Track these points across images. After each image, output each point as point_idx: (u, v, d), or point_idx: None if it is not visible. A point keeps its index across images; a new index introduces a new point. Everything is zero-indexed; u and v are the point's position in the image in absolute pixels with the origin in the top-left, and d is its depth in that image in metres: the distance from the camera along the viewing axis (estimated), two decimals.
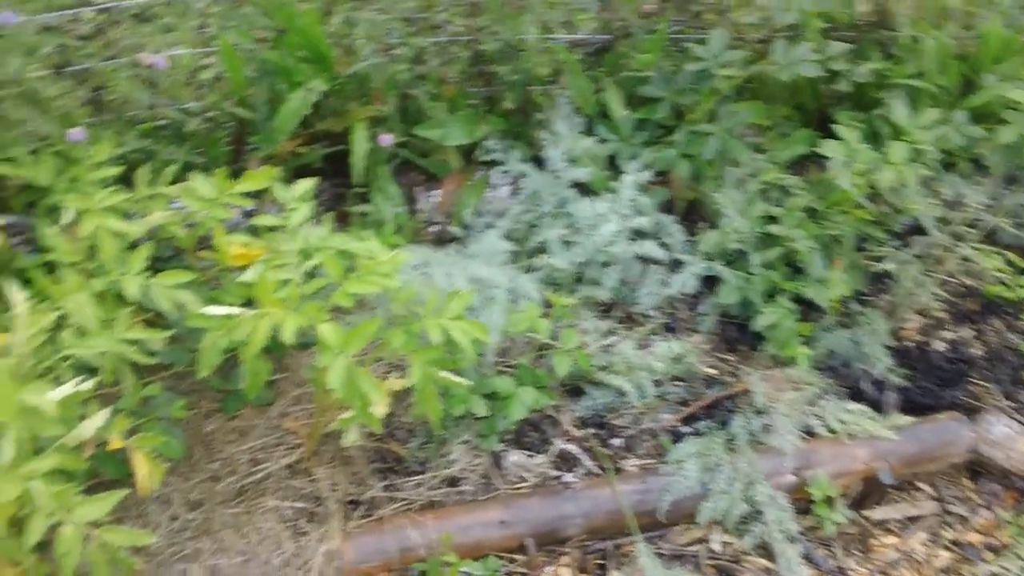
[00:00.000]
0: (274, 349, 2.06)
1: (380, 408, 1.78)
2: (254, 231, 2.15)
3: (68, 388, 1.64)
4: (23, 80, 2.14)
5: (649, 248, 2.52)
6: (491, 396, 2.24)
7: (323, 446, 2.20)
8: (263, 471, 2.16)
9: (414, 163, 2.74)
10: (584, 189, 2.66)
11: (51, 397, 1.61)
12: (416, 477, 2.20)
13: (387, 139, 2.50)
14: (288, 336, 1.79)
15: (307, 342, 2.26)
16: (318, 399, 2.12)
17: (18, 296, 1.73)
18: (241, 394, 2.24)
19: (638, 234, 2.56)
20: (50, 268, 2.27)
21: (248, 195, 2.11)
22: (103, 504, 1.59)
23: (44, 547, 1.61)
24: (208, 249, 2.14)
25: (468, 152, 2.76)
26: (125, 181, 2.14)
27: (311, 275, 1.93)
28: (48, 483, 1.56)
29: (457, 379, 1.90)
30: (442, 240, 2.68)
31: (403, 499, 2.15)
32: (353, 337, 1.79)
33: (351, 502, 2.14)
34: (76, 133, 2.02)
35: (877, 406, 2.39)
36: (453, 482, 2.19)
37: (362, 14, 2.50)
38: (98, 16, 2.57)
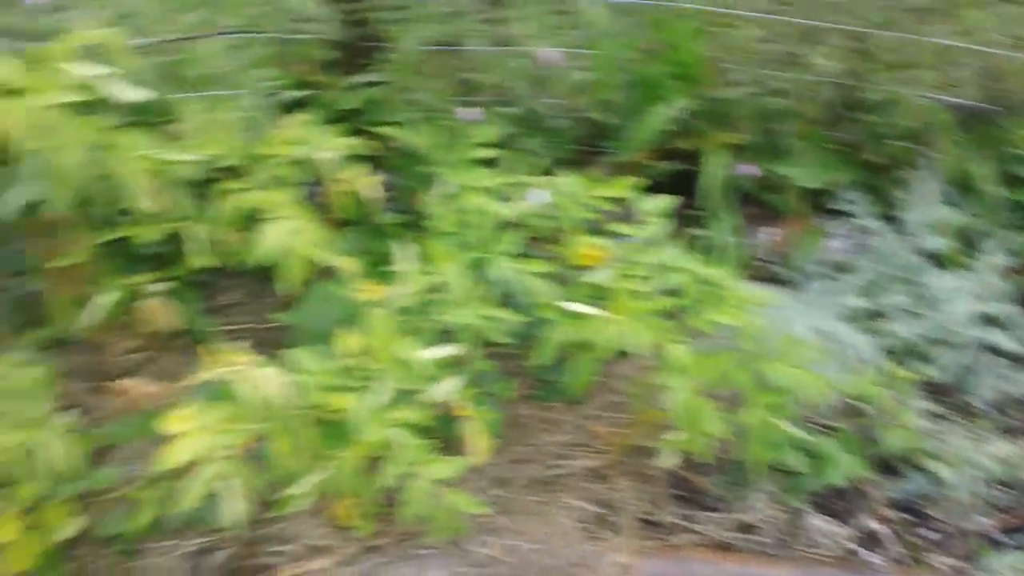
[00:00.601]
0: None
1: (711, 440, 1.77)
2: (601, 233, 2.19)
3: (440, 351, 1.74)
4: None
5: (998, 338, 2.35)
6: (806, 452, 2.17)
7: (627, 457, 2.22)
8: (566, 468, 2.20)
9: (755, 196, 2.70)
10: (934, 259, 2.52)
11: (424, 355, 1.72)
12: (712, 513, 2.16)
13: (748, 169, 2.48)
14: (635, 347, 1.81)
15: (625, 350, 2.29)
16: (636, 413, 2.14)
17: (409, 254, 1.84)
18: (559, 388, 2.29)
19: (988, 320, 2.40)
20: (407, 228, 2.43)
21: (606, 200, 2.16)
22: (453, 466, 1.67)
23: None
24: (556, 244, 2.21)
25: (815, 196, 2.69)
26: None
27: (667, 292, 1.94)
28: (409, 435, 1.66)
29: (792, 429, 1.86)
30: (771, 280, 2.62)
31: (696, 532, 2.12)
32: (704, 364, 1.79)
33: (645, 520, 2.14)
34: (469, 112, 2.13)
35: None
36: (747, 529, 2.14)
37: (737, 40, 2.48)
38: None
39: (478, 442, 1.82)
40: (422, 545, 2.01)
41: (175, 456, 1.48)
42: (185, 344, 2.32)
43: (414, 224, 2.44)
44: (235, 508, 1.50)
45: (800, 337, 1.98)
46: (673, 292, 1.94)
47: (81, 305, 2.11)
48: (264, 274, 2.48)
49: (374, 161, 2.31)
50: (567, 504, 2.13)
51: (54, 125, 1.49)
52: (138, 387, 1.59)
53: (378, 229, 2.42)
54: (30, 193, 1.87)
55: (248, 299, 2.50)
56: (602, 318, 1.85)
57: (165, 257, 2.30)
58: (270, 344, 2.39)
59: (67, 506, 1.89)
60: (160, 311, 2.05)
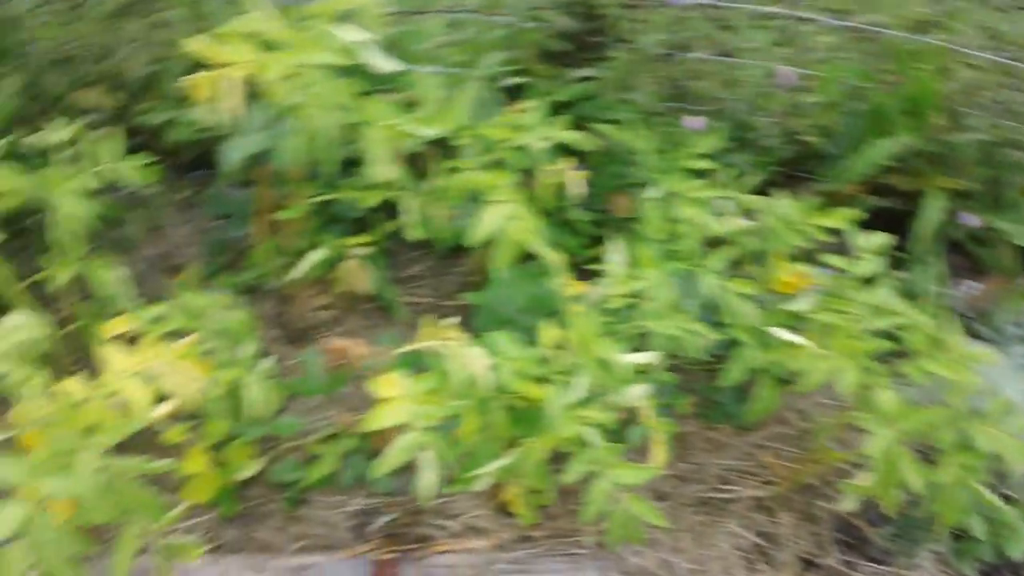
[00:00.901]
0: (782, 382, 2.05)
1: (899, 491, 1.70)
2: (809, 262, 2.13)
3: (640, 356, 1.72)
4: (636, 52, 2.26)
5: None
6: (988, 520, 2.06)
7: (795, 493, 2.15)
8: (730, 492, 2.15)
9: (962, 246, 2.58)
10: None
11: (625, 359, 1.70)
12: (876, 565, 2.08)
13: (969, 219, 2.36)
14: (844, 386, 1.75)
15: (789, 380, 2.22)
16: (814, 449, 2.08)
17: (617, 255, 1.83)
18: (730, 411, 2.24)
19: None
20: (596, 226, 2.42)
21: (820, 228, 2.09)
22: (639, 474, 1.65)
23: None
24: (758, 265, 2.16)
25: None
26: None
27: (877, 333, 1.87)
28: (599, 434, 1.65)
29: (989, 495, 1.76)
30: (968, 336, 2.50)
31: None
32: (911, 415, 1.71)
33: (806, 560, 2.07)
34: (693, 121, 2.10)
35: None
36: None
37: (977, 83, 2.37)
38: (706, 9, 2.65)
39: (658, 452, 1.80)
40: (577, 544, 2.00)
41: (382, 419, 1.50)
42: (370, 308, 2.38)
43: (602, 223, 2.43)
44: (428, 479, 1.51)
45: (1012, 402, 1.87)
46: (885, 334, 1.86)
47: (284, 256, 2.18)
48: (448, 251, 2.53)
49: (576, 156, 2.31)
50: (728, 529, 2.08)
51: (312, 83, 1.53)
52: (351, 347, 1.63)
53: (567, 224, 2.42)
54: (262, 143, 1.94)
55: (429, 273, 2.54)
56: (808, 349, 1.80)
57: (364, 222, 2.36)
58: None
59: (250, 448, 1.96)
60: (359, 273, 2.09)
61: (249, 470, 1.94)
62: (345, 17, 1.66)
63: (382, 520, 1.99)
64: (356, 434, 1.99)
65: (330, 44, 1.53)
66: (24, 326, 1.43)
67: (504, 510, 2.02)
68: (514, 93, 2.27)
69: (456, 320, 1.65)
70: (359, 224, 2.33)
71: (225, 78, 1.53)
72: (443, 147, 2.16)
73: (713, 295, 1.91)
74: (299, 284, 2.21)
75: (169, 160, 2.01)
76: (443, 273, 2.52)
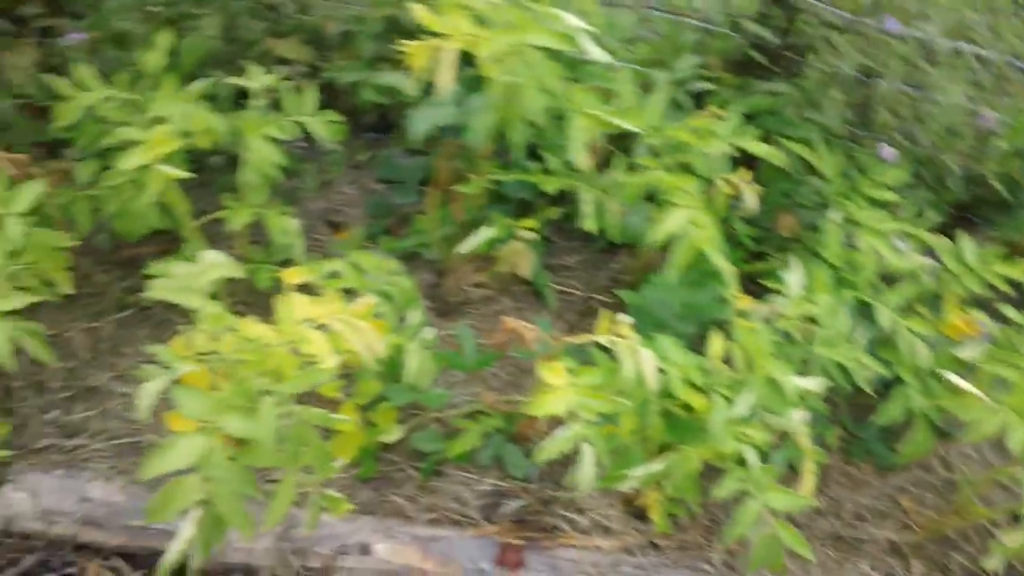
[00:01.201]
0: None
1: None
2: (983, 309, 2.05)
3: (810, 382, 1.68)
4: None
5: None
6: None
7: (933, 543, 2.09)
8: (865, 532, 2.09)
9: None
10: None
11: (795, 381, 1.67)
12: None
13: None
14: (1015, 443, 1.69)
15: (949, 431, 2.14)
16: (961, 502, 2.01)
17: (796, 276, 1.79)
18: (870, 447, 2.19)
19: None
20: (758, 243, 2.38)
21: (1001, 277, 2.02)
22: (792, 501, 1.62)
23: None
24: (927, 306, 2.09)
25: None
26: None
27: None
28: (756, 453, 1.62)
29: None
30: None
31: None
32: None
33: None
34: (886, 150, 2.04)
35: None
36: None
37: None
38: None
39: (808, 481, 1.76)
40: (706, 560, 1.97)
41: (546, 406, 1.51)
42: (522, 292, 2.39)
43: (763, 240, 2.39)
44: (587, 472, 1.51)
45: None
46: None
47: (448, 228, 2.21)
48: (603, 246, 2.52)
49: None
50: (860, 569, 2.02)
51: (528, 63, 1.54)
52: (524, 329, 1.63)
53: (730, 236, 2.38)
54: (450, 116, 1.96)
55: (581, 266, 2.53)
56: (977, 399, 1.73)
57: (527, 205, 2.37)
58: (595, 316, 2.42)
59: (395, 413, 1.98)
60: (523, 256, 2.10)
61: (393, 435, 1.97)
62: (560, 3, 1.66)
63: (513, 504, 2.00)
64: (501, 414, 2.00)
65: (552, 27, 1.53)
66: (222, 265, 1.47)
67: (635, 513, 2.01)
68: (697, 98, 2.25)
69: (625, 317, 1.64)
70: (522, 206, 2.34)
71: (443, 49, 1.54)
72: (619, 142, 2.15)
73: (887, 330, 1.86)
74: (459, 258, 2.22)
75: (346, 119, 2.04)
76: (596, 267, 2.51)
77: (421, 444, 2.02)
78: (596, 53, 1.57)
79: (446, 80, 1.54)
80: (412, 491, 2.00)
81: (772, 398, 1.66)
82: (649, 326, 2.12)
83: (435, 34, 1.61)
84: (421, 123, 1.98)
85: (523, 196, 2.30)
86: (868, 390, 1.87)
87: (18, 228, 1.78)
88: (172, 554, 1.34)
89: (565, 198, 2.34)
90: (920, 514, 2.14)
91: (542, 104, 1.55)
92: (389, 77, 2.10)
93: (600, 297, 2.43)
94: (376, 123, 2.50)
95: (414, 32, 2.21)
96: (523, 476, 2.02)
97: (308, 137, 2.04)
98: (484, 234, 2.02)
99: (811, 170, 2.33)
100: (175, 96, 1.88)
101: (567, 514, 2.00)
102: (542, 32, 1.52)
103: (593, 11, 1.59)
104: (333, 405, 1.79)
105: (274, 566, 1.84)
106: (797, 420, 1.69)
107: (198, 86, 1.93)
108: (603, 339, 1.57)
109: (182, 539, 1.33)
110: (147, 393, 1.35)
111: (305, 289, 1.64)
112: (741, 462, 1.63)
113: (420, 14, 1.58)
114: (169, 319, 2.18)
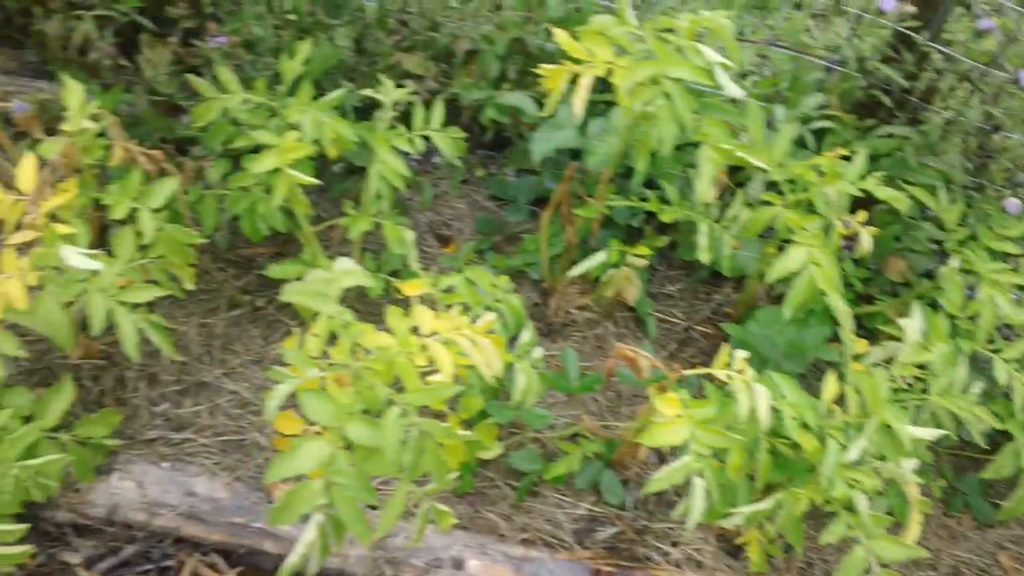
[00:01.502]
0: None
1: None
2: None
3: (927, 431, 1.65)
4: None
5: None
6: None
7: None
8: None
9: None
10: None
11: (911, 430, 1.64)
12: None
13: None
14: None
15: None
16: None
17: (917, 323, 1.76)
18: (969, 501, 2.15)
19: None
20: (867, 284, 2.35)
21: None
22: (900, 550, 1.60)
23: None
24: None
25: None
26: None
27: None
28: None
29: None
30: None
31: None
32: None
33: None
34: (1012, 203, 2.01)
35: None
36: None
37: None
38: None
39: (914, 531, 1.73)
40: None
41: (662, 437, 1.51)
42: (625, 318, 2.39)
43: (870, 282, 2.36)
44: (698, 505, 1.51)
45: None
46: None
47: (557, 248, 2.22)
48: (705, 277, 2.51)
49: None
50: None
51: (666, 95, 1.55)
52: (638, 357, 1.64)
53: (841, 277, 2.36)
54: (572, 140, 1.98)
55: (683, 296, 2.53)
56: None
57: (634, 231, 2.38)
58: (694, 347, 2.43)
59: (497, 430, 2.00)
60: (631, 282, 2.11)
61: (492, 452, 1.98)
62: (699, 36, 1.67)
63: (607, 531, 2.00)
64: (601, 439, 2.01)
65: (693, 61, 1.54)
66: (354, 272, 1.50)
67: (728, 550, 1.99)
68: (816, 136, 2.23)
69: (741, 352, 1.64)
70: (630, 232, 2.35)
71: (581, 74, 1.56)
72: (733, 175, 2.15)
73: (1003, 384, 1.83)
74: (565, 280, 2.24)
75: (464, 135, 2.08)
76: (697, 297, 2.51)
77: (519, 463, 2.03)
78: (732, 89, 1.57)
79: (580, 104, 1.56)
80: (506, 509, 2.01)
81: (884, 444, 1.63)
82: (753, 362, 2.11)
83: (572, 59, 1.63)
84: (543, 144, 2.00)
85: (632, 223, 2.31)
86: (981, 443, 1.83)
87: (151, 223, 1.84)
88: (294, 557, 1.37)
89: (672, 227, 2.35)
90: (1019, 572, 2.09)
91: (675, 135, 1.56)
92: (513, 97, 2.14)
93: (701, 328, 2.42)
94: (491, 141, 2.53)
95: (537, 55, 2.25)
96: (619, 503, 2.02)
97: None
98: (598, 258, 2.04)
99: (925, 216, 2.31)
100: (309, 104, 1.94)
101: (660, 545, 1.99)
102: (683, 65, 1.54)
103: (732, 47, 1.59)
104: (439, 418, 1.82)
105: (367, 575, 1.87)
106: (908, 469, 1.67)
107: (333, 96, 1.97)
108: (720, 373, 1.57)
109: (304, 543, 1.36)
110: (278, 395, 1.38)
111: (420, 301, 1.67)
112: (850, 508, 1.62)
113: (561, 39, 1.60)
114: (280, 320, 2.23)
